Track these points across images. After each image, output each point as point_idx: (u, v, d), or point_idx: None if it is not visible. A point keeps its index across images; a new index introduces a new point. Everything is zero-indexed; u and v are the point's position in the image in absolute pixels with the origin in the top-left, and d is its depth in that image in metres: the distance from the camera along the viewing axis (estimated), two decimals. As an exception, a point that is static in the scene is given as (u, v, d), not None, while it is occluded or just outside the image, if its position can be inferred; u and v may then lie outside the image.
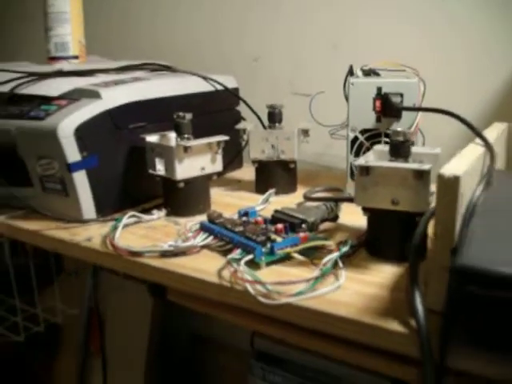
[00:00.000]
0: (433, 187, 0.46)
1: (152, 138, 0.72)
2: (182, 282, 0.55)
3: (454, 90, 0.88)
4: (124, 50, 1.28)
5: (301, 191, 0.78)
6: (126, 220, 0.67)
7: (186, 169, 0.70)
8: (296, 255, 0.55)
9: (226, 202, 0.77)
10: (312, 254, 0.55)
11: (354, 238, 0.58)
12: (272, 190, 0.78)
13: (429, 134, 0.77)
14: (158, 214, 0.71)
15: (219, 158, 0.73)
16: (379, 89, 0.73)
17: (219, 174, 0.76)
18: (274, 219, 0.62)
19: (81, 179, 0.69)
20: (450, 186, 0.40)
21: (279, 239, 0.56)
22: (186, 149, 0.69)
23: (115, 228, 0.65)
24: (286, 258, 0.55)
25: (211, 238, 0.60)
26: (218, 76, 0.92)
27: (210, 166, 0.72)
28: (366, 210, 0.55)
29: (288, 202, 0.74)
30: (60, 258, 1.12)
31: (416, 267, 0.44)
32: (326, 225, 0.65)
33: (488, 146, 0.53)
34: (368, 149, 0.73)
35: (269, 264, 0.54)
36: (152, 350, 1.21)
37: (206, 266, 0.55)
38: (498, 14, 0.84)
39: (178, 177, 0.69)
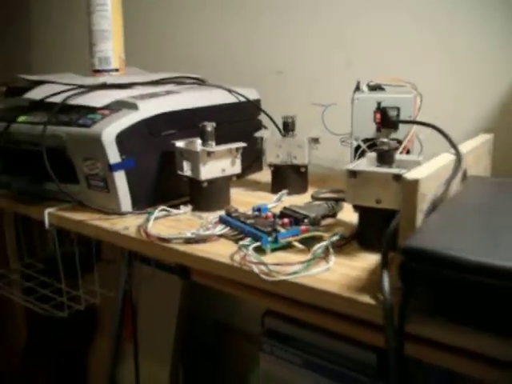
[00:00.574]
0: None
1: (181, 144, 0.84)
2: (202, 263, 0.67)
3: (460, 103, 0.98)
4: (159, 62, 1.41)
5: (311, 192, 0.89)
6: (157, 213, 0.79)
7: (209, 170, 0.81)
8: (296, 244, 0.66)
9: (245, 200, 0.88)
10: (310, 244, 0.66)
11: (347, 232, 0.68)
12: (285, 191, 0.89)
13: (428, 142, 0.86)
14: (185, 209, 0.82)
15: (238, 161, 0.85)
16: (379, 103, 0.84)
17: (240, 176, 0.88)
18: (282, 214, 0.73)
19: (120, 178, 0.81)
20: (411, 187, 0.51)
21: (283, 230, 0.67)
22: (209, 153, 0.80)
23: (148, 219, 0.77)
24: (288, 246, 0.66)
25: (228, 228, 0.72)
26: (241, 89, 1.04)
27: (230, 169, 0.84)
28: (355, 207, 0.66)
29: (298, 201, 0.84)
30: (99, 248, 1.25)
31: (387, 254, 0.54)
32: (328, 221, 0.76)
33: (457, 152, 0.63)
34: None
35: (273, 250, 0.65)
36: (179, 336, 1.31)
37: (221, 251, 0.67)
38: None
39: (202, 177, 0.81)
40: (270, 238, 0.65)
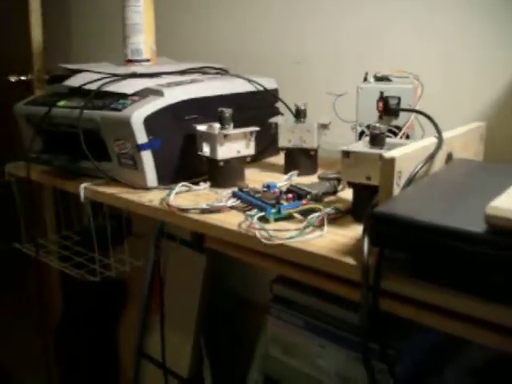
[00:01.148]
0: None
1: (201, 128, 0.94)
2: (213, 230, 0.77)
3: (459, 93, 1.05)
4: (187, 53, 1.51)
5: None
6: (178, 188, 0.89)
7: (226, 151, 0.91)
8: (296, 215, 0.75)
9: (259, 179, 0.97)
10: (309, 215, 0.75)
11: (344, 207, 0.77)
12: (295, 172, 0.98)
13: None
14: (204, 186, 0.92)
15: (252, 144, 0.94)
16: (381, 93, 0.92)
17: (256, 159, 0.97)
18: (288, 191, 0.82)
19: (147, 157, 0.91)
20: (388, 164, 0.60)
21: (286, 203, 0.76)
22: (225, 136, 0.90)
23: (170, 193, 0.87)
24: (289, 217, 0.76)
25: (239, 201, 0.82)
26: (261, 78, 1.13)
27: (245, 150, 0.93)
28: (349, 184, 0.74)
29: (307, 181, 0.93)
30: (130, 222, 1.36)
31: (368, 223, 0.63)
32: (329, 198, 0.85)
33: (439, 135, 0.71)
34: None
35: (276, 220, 0.75)
36: (202, 309, 1.40)
37: (231, 220, 0.77)
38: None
39: (219, 157, 0.91)
40: (273, 209, 0.75)
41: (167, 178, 0.94)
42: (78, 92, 1.01)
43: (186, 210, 0.80)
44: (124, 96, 0.95)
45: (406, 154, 0.62)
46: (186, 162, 0.96)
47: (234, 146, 0.92)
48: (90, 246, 1.15)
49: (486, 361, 0.84)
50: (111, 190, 0.94)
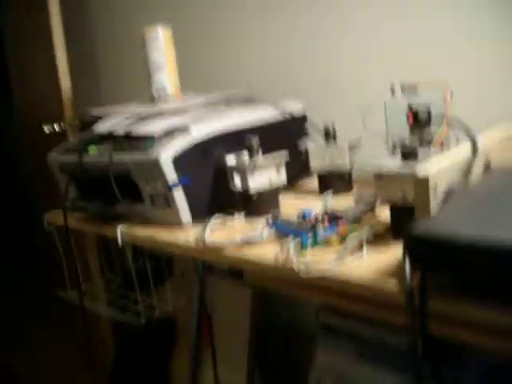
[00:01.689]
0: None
1: (231, 161, 0.93)
2: (251, 265, 0.75)
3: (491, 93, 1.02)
4: (213, 82, 1.52)
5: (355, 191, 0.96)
6: (213, 223, 0.88)
7: (257, 182, 0.90)
8: (333, 240, 0.73)
9: (293, 204, 0.96)
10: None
11: (382, 225, 0.75)
12: (330, 192, 0.96)
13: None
14: (238, 216, 0.91)
15: (283, 170, 0.92)
16: (409, 105, 0.89)
17: (290, 182, 0.96)
18: (323, 217, 0.80)
19: (178, 194, 0.91)
20: (421, 183, 0.57)
21: (322, 229, 0.74)
22: (255, 165, 0.89)
23: (205, 229, 0.86)
24: (327, 243, 0.73)
25: (274, 231, 0.80)
26: (287, 102, 1.12)
27: (276, 177, 0.91)
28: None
29: (342, 202, 0.91)
30: (171, 263, 1.36)
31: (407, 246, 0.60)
32: (368, 215, 0.82)
33: (474, 144, 0.68)
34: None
35: (313, 247, 0.73)
36: (253, 342, 1.38)
37: (268, 251, 0.75)
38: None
39: (251, 190, 0.89)
40: (309, 237, 0.73)
41: (201, 212, 0.93)
42: (107, 137, 1.02)
43: (221, 248, 0.79)
44: (152, 137, 0.95)
45: (440, 168, 0.59)
46: (218, 194, 0.95)
47: (265, 173, 0.90)
48: (133, 287, 1.14)
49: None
50: (147, 231, 0.94)
